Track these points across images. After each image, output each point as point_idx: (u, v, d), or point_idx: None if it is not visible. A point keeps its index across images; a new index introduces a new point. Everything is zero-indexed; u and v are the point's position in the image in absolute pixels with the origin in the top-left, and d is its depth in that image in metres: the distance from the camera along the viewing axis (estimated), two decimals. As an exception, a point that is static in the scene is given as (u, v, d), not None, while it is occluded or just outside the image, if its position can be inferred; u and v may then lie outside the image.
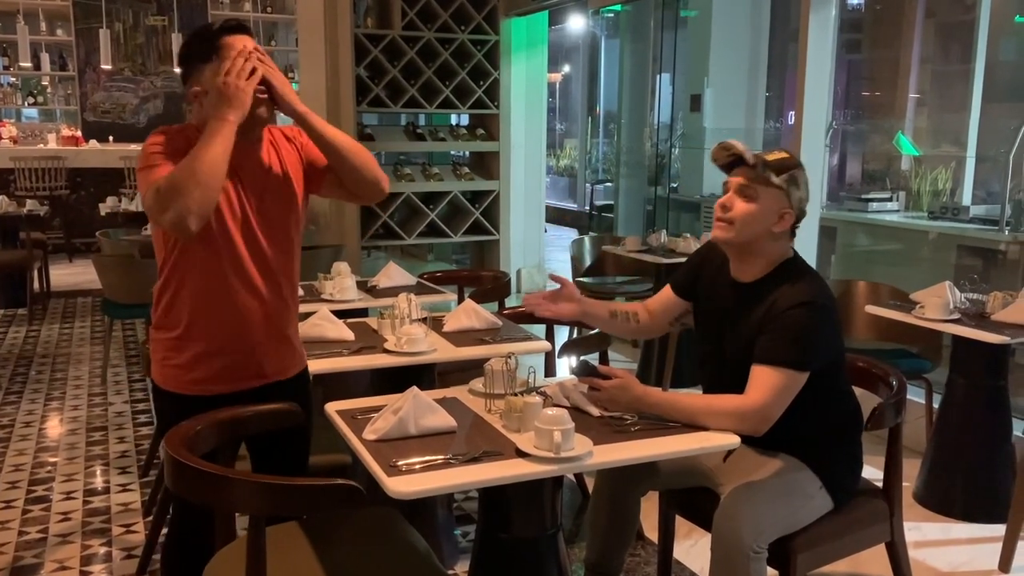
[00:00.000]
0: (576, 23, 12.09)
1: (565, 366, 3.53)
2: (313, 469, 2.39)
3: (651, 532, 2.76)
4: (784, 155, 2.07)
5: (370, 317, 3.01)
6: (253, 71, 1.88)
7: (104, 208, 6.94)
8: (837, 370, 2.14)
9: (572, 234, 10.73)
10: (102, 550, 2.93)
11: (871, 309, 3.37)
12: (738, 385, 1.99)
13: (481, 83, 6.26)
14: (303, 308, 3.09)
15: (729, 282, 2.16)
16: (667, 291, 2.36)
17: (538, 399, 1.89)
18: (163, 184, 1.77)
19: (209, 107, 1.87)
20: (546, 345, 2.76)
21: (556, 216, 11.94)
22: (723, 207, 2.08)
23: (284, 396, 2.05)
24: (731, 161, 2.08)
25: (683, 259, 4.67)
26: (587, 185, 11.68)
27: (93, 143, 9.71)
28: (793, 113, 4.51)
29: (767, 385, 1.95)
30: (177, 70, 11.42)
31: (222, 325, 1.96)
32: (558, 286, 2.29)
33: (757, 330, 2.02)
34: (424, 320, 2.73)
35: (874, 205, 6.02)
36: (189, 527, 2.03)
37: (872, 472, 2.30)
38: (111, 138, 10.15)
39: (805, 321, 1.98)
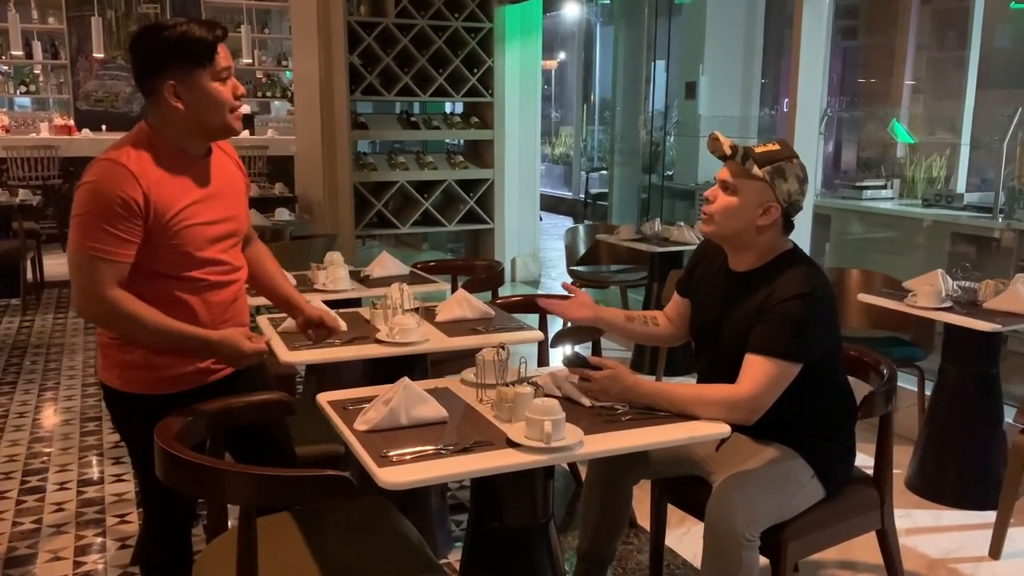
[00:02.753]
0: (571, 10, 12.05)
1: (558, 356, 3.53)
2: (305, 459, 2.40)
3: (644, 520, 2.76)
4: (774, 147, 2.06)
5: (363, 307, 3.00)
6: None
7: (97, 198, 6.90)
8: (833, 361, 2.14)
9: (567, 222, 10.72)
10: (96, 540, 2.93)
11: (863, 297, 3.38)
12: (733, 374, 2.00)
13: (475, 71, 6.24)
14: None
15: (725, 272, 2.17)
16: (676, 296, 2.37)
17: (529, 389, 1.88)
18: (112, 307, 1.82)
19: (225, 349, 1.89)
20: (539, 335, 2.76)
21: (552, 204, 11.93)
22: (707, 200, 2.10)
23: (245, 383, 2.08)
24: (722, 153, 2.07)
25: (676, 248, 4.68)
26: (582, 173, 11.66)
27: (86, 132, 9.66)
28: (788, 100, 4.50)
29: (759, 375, 1.95)
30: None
31: (190, 323, 1.95)
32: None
33: (752, 319, 2.02)
34: (416, 310, 2.73)
35: (868, 193, 6.02)
36: (166, 521, 2.02)
37: (864, 460, 2.31)
38: (104, 127, 10.09)
39: (801, 312, 1.98)
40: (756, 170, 2.01)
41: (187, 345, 1.89)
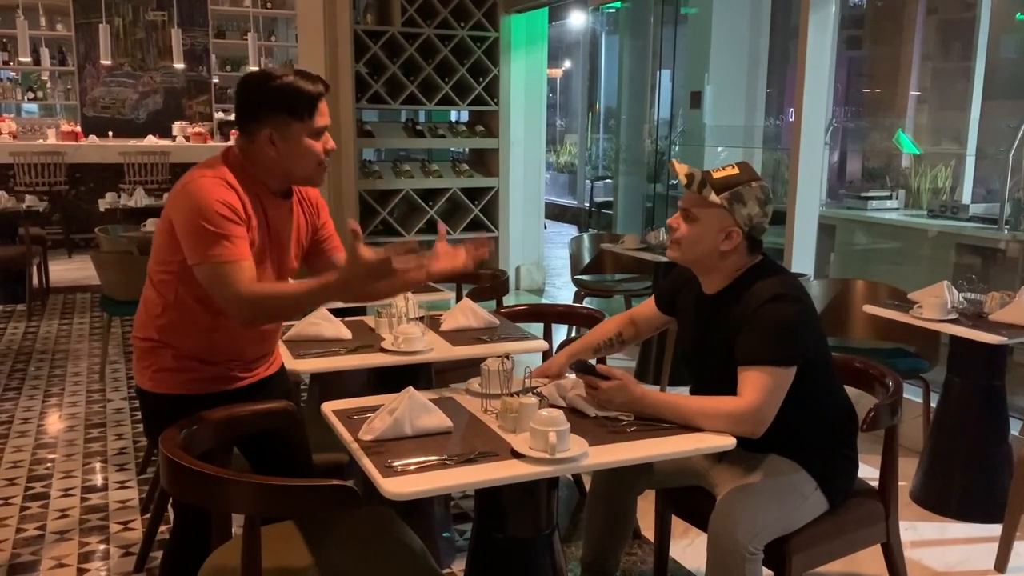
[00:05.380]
0: (576, 19, 12.08)
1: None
2: (310, 468, 2.40)
3: (648, 531, 2.76)
4: (732, 171, 2.06)
5: (368, 316, 3.01)
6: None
7: (103, 204, 6.94)
8: (824, 371, 2.14)
9: (572, 231, 10.73)
10: (100, 547, 2.93)
11: (869, 309, 3.37)
12: (720, 392, 2.00)
13: (481, 80, 6.26)
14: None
15: (699, 296, 2.18)
16: (651, 304, 2.39)
17: (534, 400, 1.88)
18: (257, 301, 1.86)
19: (357, 281, 1.83)
20: (543, 344, 2.77)
21: (556, 213, 11.94)
22: (671, 228, 2.12)
23: (270, 391, 2.12)
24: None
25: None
26: (587, 182, 11.67)
27: (92, 138, 9.71)
28: (793, 110, 4.50)
29: (757, 386, 1.95)
30: (179, 65, 11.02)
31: (226, 346, 2.03)
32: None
33: (732, 335, 2.03)
34: (421, 319, 2.73)
35: (873, 203, 6.01)
36: (189, 527, 2.03)
37: (869, 472, 2.30)
38: (110, 133, 10.14)
39: (780, 316, 1.99)
40: (713, 197, 2.02)
41: (330, 295, 1.94)
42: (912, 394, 3.62)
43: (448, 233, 2.13)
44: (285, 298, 1.91)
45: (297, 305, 1.95)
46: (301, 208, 2.15)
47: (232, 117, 10.89)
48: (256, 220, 1.96)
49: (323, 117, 1.97)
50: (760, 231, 2.07)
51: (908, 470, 3.31)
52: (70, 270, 8.10)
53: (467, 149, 6.79)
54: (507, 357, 2.13)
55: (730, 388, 1.99)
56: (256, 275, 1.92)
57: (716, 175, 2.05)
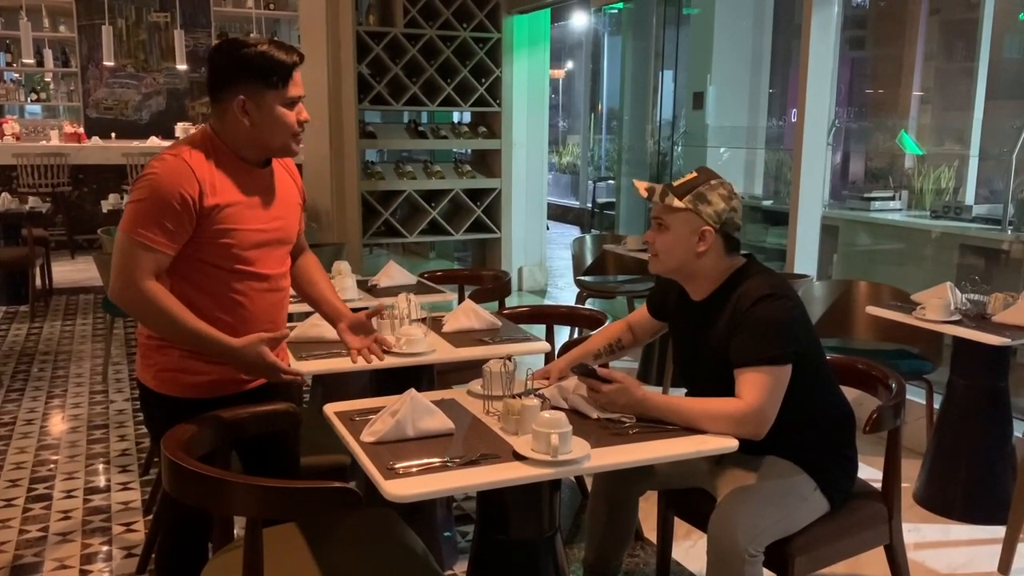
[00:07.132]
0: (579, 20, 12.07)
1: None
2: (312, 470, 2.40)
3: (650, 533, 2.76)
4: (691, 176, 2.10)
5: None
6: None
7: (106, 205, 6.95)
8: (818, 367, 2.14)
9: (575, 232, 10.73)
10: (102, 549, 2.93)
11: (872, 310, 3.37)
12: (715, 396, 2.00)
13: (483, 81, 6.26)
14: (302, 308, 3.09)
15: (687, 303, 2.19)
16: (644, 312, 2.40)
17: (536, 402, 1.88)
18: (146, 297, 1.84)
19: (242, 363, 1.92)
20: (545, 346, 2.76)
21: (559, 214, 11.93)
22: (648, 242, 2.15)
23: (276, 393, 2.09)
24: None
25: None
26: (589, 183, 11.67)
27: (95, 140, 9.72)
28: (796, 111, 4.50)
29: (756, 386, 1.95)
30: (182, 67, 11.08)
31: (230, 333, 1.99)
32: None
33: (724, 339, 2.03)
34: (423, 320, 2.73)
35: (876, 204, 6.00)
36: (183, 531, 2.03)
37: (872, 473, 2.30)
38: (113, 135, 10.16)
39: (772, 314, 1.99)
40: (677, 202, 2.05)
41: (209, 348, 1.91)
42: (915, 395, 3.61)
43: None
44: (171, 319, 1.86)
45: (177, 333, 1.89)
46: (292, 179, 2.14)
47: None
48: (229, 192, 1.93)
49: (297, 87, 1.94)
50: (733, 227, 2.08)
51: (911, 472, 3.30)
52: (73, 271, 8.11)
53: (469, 150, 6.79)
54: (509, 359, 2.13)
55: (725, 392, 1.99)
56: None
57: (676, 183, 2.10)
